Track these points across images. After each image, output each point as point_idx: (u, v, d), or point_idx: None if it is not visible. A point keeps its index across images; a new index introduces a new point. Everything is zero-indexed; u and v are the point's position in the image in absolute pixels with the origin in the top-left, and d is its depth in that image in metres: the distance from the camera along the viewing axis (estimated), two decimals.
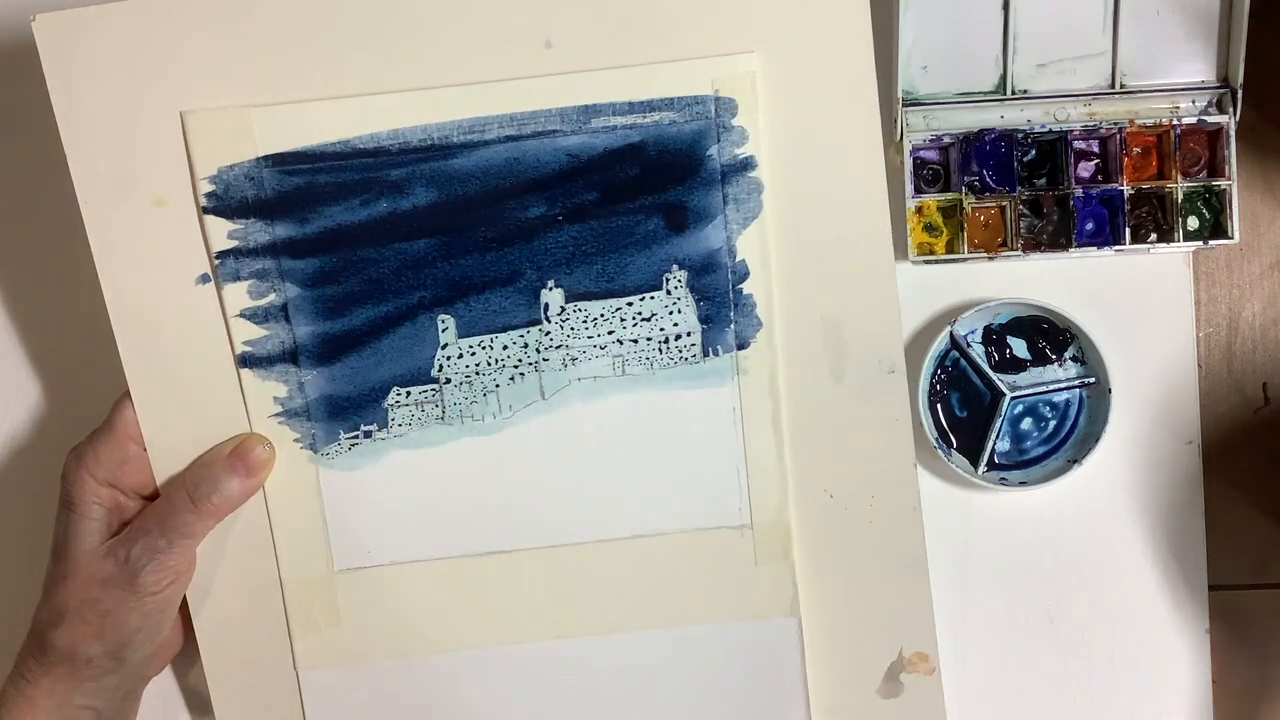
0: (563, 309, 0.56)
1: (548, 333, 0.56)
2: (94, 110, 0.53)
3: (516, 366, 0.56)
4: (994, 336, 0.59)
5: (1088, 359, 0.59)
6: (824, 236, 0.55)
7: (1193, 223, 0.58)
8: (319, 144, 0.54)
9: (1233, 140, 0.57)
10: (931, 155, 0.59)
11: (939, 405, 0.59)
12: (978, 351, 0.59)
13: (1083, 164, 0.58)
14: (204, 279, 0.55)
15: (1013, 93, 0.57)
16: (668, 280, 0.55)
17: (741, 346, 0.56)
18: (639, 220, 0.55)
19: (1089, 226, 0.58)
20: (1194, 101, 0.58)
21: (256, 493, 0.56)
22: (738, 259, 0.55)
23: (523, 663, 0.58)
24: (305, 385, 0.56)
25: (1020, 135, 0.57)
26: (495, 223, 0.55)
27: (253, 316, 0.55)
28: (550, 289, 0.55)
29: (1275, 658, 0.61)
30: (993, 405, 0.59)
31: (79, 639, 0.52)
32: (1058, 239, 0.58)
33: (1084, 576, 0.60)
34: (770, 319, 0.55)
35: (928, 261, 0.58)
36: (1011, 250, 0.58)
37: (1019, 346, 0.59)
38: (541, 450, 0.56)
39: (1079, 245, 0.58)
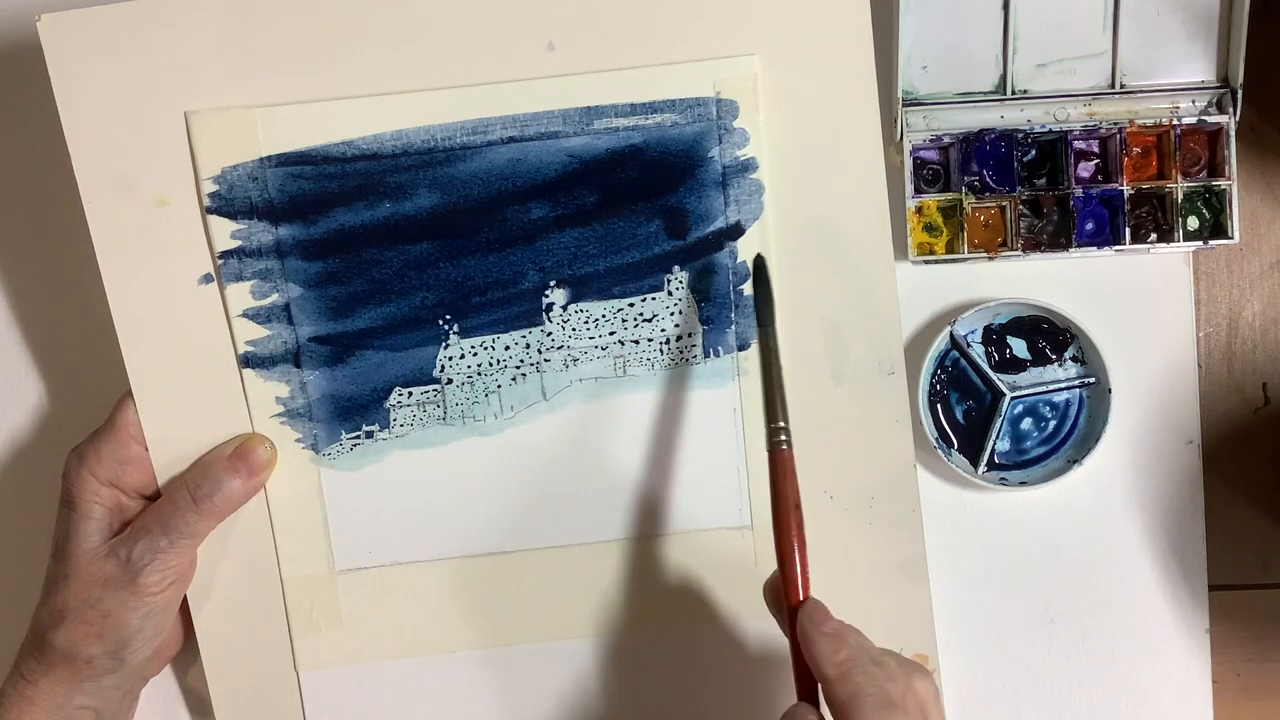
0: (564, 310, 0.56)
1: (549, 333, 0.56)
2: (98, 110, 0.53)
3: (518, 367, 0.56)
4: (994, 336, 0.59)
5: (1088, 359, 0.59)
6: (824, 237, 0.55)
7: (1193, 223, 0.58)
8: (322, 145, 0.54)
9: (1233, 140, 0.57)
10: (931, 155, 0.59)
11: (939, 405, 0.59)
12: (978, 351, 0.59)
13: (1083, 164, 0.59)
14: (207, 279, 0.55)
15: (1013, 93, 0.57)
16: (669, 281, 0.55)
17: (742, 348, 0.56)
18: (640, 221, 0.55)
19: (1089, 226, 0.58)
20: (1194, 101, 0.58)
21: (258, 493, 0.56)
22: (739, 260, 0.55)
23: (523, 663, 0.58)
24: (307, 385, 0.56)
25: (1020, 135, 0.57)
26: (497, 224, 0.55)
27: (255, 316, 0.55)
28: (552, 290, 0.55)
29: (1275, 658, 0.61)
30: (993, 405, 0.59)
31: (79, 639, 0.52)
32: (1058, 239, 0.58)
33: (1084, 576, 0.60)
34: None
35: (928, 261, 0.59)
36: (1011, 250, 0.58)
37: (1019, 346, 0.59)
38: (543, 451, 0.56)
39: (1079, 245, 0.58)
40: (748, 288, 0.55)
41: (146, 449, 0.55)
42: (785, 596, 0.48)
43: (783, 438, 0.50)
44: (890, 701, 0.44)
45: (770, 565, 0.56)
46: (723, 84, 0.54)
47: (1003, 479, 0.59)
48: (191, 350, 0.55)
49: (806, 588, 0.48)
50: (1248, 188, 0.60)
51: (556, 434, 0.56)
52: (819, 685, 0.46)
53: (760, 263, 0.54)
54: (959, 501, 0.60)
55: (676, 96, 0.54)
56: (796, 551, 0.48)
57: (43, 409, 0.61)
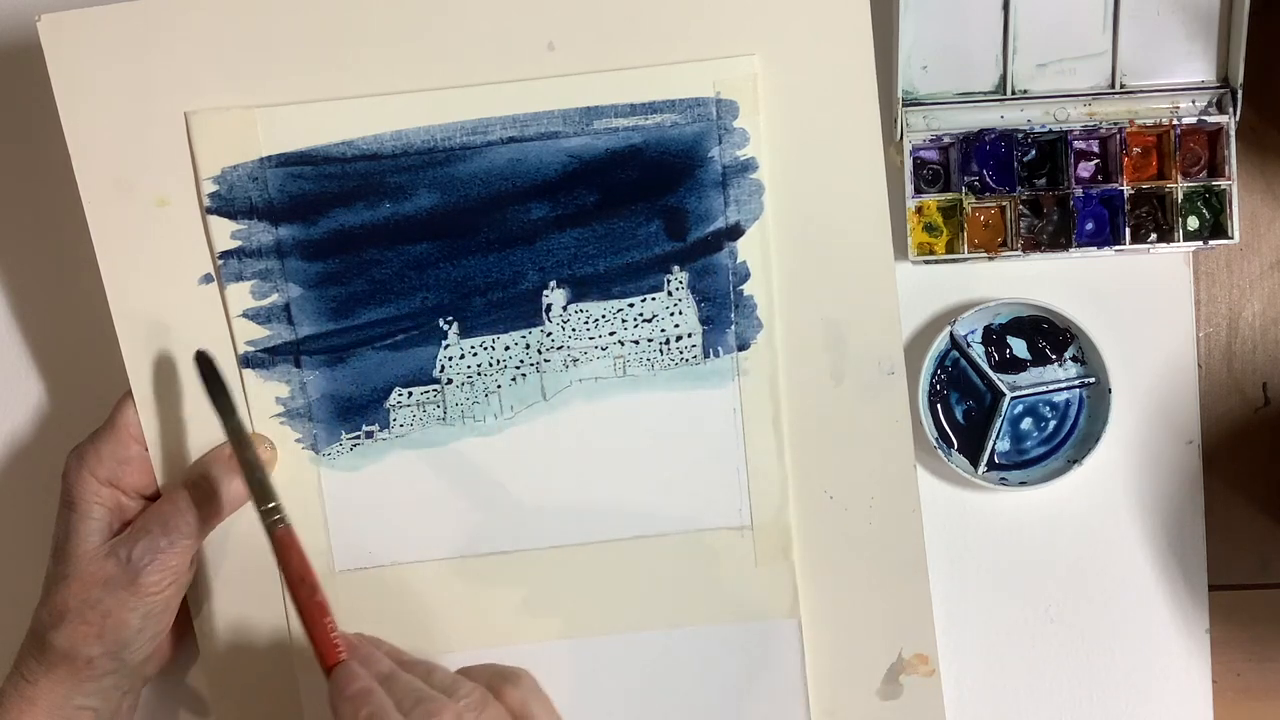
0: (564, 310, 0.56)
1: (549, 334, 0.56)
2: (98, 110, 0.53)
3: (518, 367, 0.56)
4: (994, 336, 0.59)
5: (1088, 359, 0.59)
6: (824, 237, 0.55)
7: (1193, 223, 0.58)
8: (322, 145, 0.54)
9: (1233, 140, 0.57)
10: (931, 155, 0.59)
11: (939, 405, 0.59)
12: (978, 351, 0.59)
13: (1083, 164, 0.59)
14: (207, 279, 0.55)
15: (1013, 93, 0.57)
16: (669, 281, 0.55)
17: (742, 348, 0.56)
18: (640, 222, 0.55)
19: (1089, 226, 0.58)
20: (1194, 101, 0.58)
21: None
22: (739, 260, 0.55)
23: (522, 663, 0.57)
24: (307, 386, 0.56)
25: (1020, 135, 0.57)
26: (497, 224, 0.55)
27: (255, 317, 0.55)
28: (552, 290, 0.55)
29: (1275, 658, 0.61)
30: (993, 405, 0.59)
31: (79, 639, 0.52)
32: (1058, 239, 0.58)
33: (1084, 576, 0.60)
34: (771, 320, 0.55)
35: (928, 261, 0.59)
36: (1011, 250, 0.58)
37: (1019, 346, 0.59)
38: (542, 451, 0.56)
39: (1079, 245, 0.58)
40: (748, 288, 0.55)
41: (146, 449, 0.55)
42: (321, 662, 0.49)
43: (278, 517, 0.51)
44: None
45: (771, 565, 0.57)
46: (723, 84, 0.54)
47: (1003, 479, 0.59)
48: (191, 350, 0.55)
49: (334, 654, 0.49)
50: (1248, 188, 0.60)
51: (556, 434, 0.56)
52: None
53: (202, 358, 0.53)
54: (959, 501, 0.60)
55: (676, 96, 0.54)
56: (318, 621, 0.50)
57: (43, 409, 0.61)
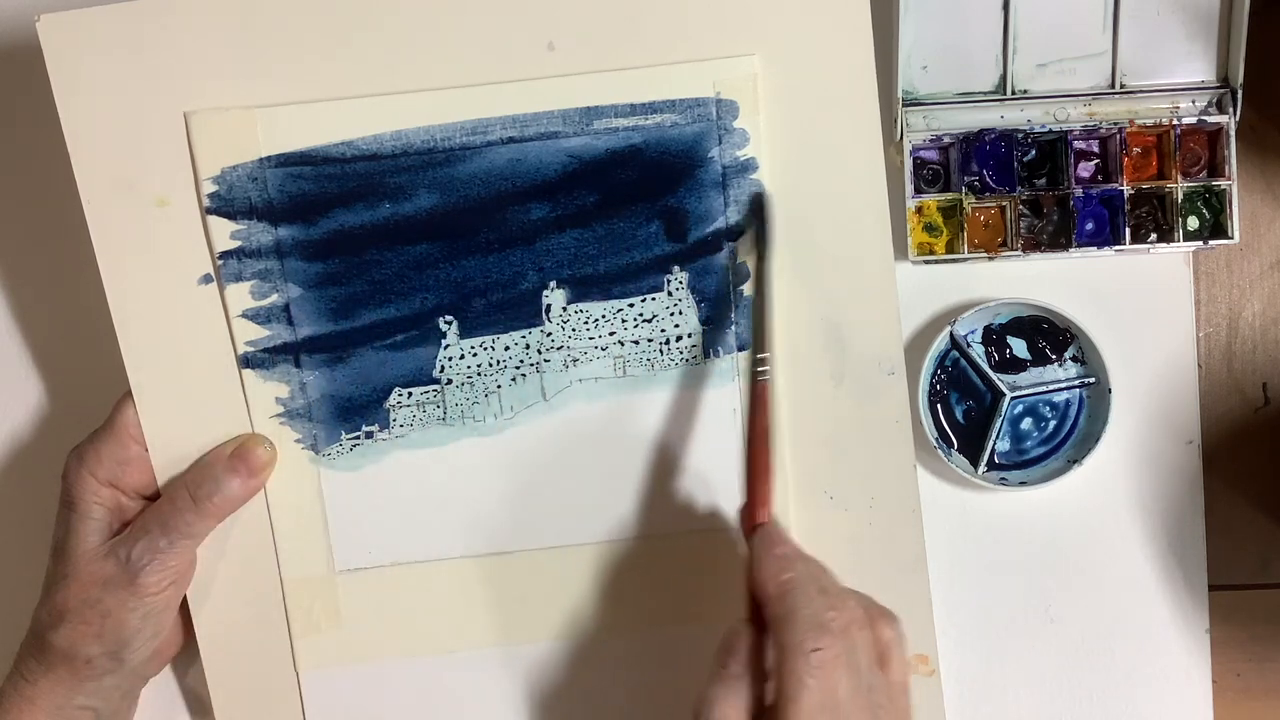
0: (564, 310, 0.56)
1: (549, 334, 0.56)
2: (98, 110, 0.53)
3: (518, 367, 0.56)
4: (994, 336, 0.59)
5: (1088, 359, 0.59)
6: (824, 237, 0.55)
7: (1193, 223, 0.58)
8: (322, 145, 0.54)
9: (1233, 140, 0.57)
10: (931, 155, 0.59)
11: (939, 405, 0.59)
12: (978, 351, 0.59)
13: (1083, 164, 0.59)
14: (206, 279, 0.55)
15: (1013, 93, 0.57)
16: (669, 282, 0.55)
17: (742, 348, 0.56)
18: (640, 222, 0.55)
19: (1089, 226, 0.58)
20: (1194, 101, 0.58)
21: (258, 493, 0.56)
22: (739, 261, 0.55)
23: (523, 663, 0.58)
24: (307, 386, 0.56)
25: (1020, 135, 0.57)
26: (497, 224, 0.55)
27: (255, 317, 0.55)
28: (552, 290, 0.55)
29: (1275, 658, 0.61)
30: (993, 405, 0.59)
31: (79, 639, 0.52)
32: (1058, 239, 0.58)
33: (1084, 576, 0.60)
34: (771, 320, 0.55)
35: (928, 261, 0.59)
36: (1011, 250, 0.58)
37: (1019, 346, 0.59)
38: (543, 451, 0.56)
39: (1079, 245, 0.58)
40: (748, 288, 0.55)
41: (146, 449, 0.55)
42: (748, 518, 0.50)
43: (765, 368, 0.52)
44: (823, 625, 0.43)
45: None
46: (723, 84, 0.54)
47: (1003, 479, 0.59)
48: (191, 350, 0.55)
49: (767, 512, 0.49)
50: (1248, 188, 0.60)
51: (556, 434, 0.56)
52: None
53: (760, 198, 0.55)
54: (959, 501, 0.60)
55: (676, 97, 0.54)
56: (763, 477, 0.50)
57: (43, 409, 0.61)
